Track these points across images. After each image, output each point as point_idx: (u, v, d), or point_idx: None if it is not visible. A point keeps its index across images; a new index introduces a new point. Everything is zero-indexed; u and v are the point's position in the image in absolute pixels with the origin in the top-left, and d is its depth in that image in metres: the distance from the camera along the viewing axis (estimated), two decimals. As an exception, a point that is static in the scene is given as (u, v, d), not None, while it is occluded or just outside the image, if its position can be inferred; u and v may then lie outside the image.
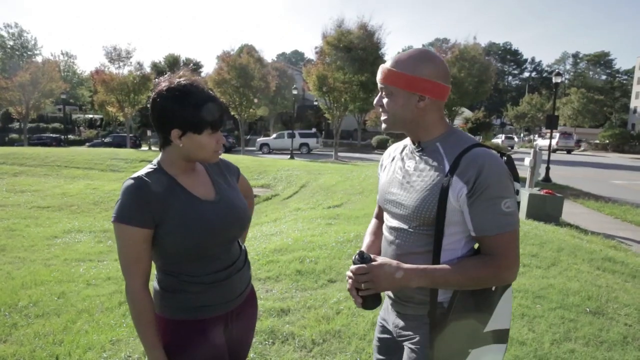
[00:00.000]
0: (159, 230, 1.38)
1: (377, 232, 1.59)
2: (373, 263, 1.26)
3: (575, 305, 3.79)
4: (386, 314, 1.54)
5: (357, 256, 1.29)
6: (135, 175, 1.42)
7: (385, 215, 1.48)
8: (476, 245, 1.32)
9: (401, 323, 1.43)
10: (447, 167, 1.26)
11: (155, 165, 1.45)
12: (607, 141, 41.33)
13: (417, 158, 1.36)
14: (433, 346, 1.30)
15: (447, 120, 1.39)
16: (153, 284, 1.54)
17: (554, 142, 36.49)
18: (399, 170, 1.42)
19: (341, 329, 3.24)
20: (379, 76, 1.35)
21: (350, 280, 1.30)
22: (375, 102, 1.39)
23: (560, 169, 19.24)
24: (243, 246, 1.68)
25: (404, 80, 1.28)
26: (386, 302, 1.55)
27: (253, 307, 1.71)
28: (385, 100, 1.34)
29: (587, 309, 3.73)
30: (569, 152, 35.01)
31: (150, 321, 1.41)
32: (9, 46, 61.25)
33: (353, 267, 1.28)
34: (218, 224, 1.45)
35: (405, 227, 1.35)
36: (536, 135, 46.35)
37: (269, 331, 3.18)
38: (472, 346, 1.29)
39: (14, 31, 61.57)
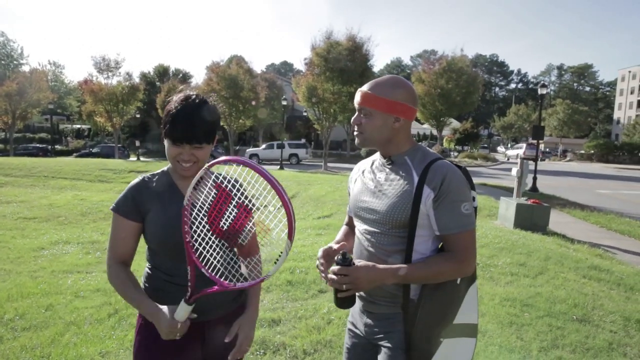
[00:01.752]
0: (145, 223, 1.52)
1: (347, 235, 1.75)
2: (352, 267, 1.38)
3: (562, 313, 3.85)
4: (354, 317, 1.65)
5: (339, 257, 1.40)
6: (143, 174, 1.60)
7: (357, 222, 1.61)
8: (440, 245, 1.49)
9: (373, 323, 1.54)
10: (416, 177, 1.43)
11: (164, 169, 1.60)
12: (592, 151, 42.04)
13: (388, 170, 1.53)
14: (408, 337, 1.43)
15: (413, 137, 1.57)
16: (142, 281, 1.61)
17: (520, 152, 40.77)
18: (370, 182, 1.57)
19: (332, 339, 3.25)
20: (357, 99, 1.51)
21: (333, 278, 1.39)
22: (352, 120, 1.54)
23: (547, 179, 19.52)
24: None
25: (383, 103, 1.46)
26: (354, 307, 1.63)
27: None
28: (364, 121, 1.50)
29: (574, 317, 3.80)
30: (534, 160, 37.37)
31: (127, 283, 1.49)
32: (-6, 55, 60.65)
33: (335, 268, 1.40)
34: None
35: (378, 230, 1.49)
36: (507, 146, 47.70)
37: (260, 341, 3.18)
38: (444, 336, 1.43)
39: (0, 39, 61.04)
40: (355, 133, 1.55)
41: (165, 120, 1.47)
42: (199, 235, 1.39)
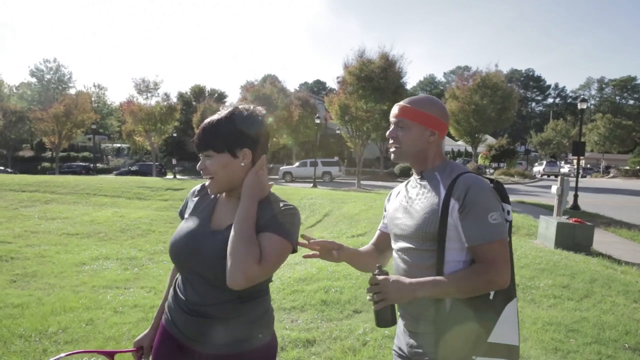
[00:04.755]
0: None
1: (369, 251, 1.76)
2: (383, 277, 1.42)
3: (612, 340, 3.64)
4: (399, 338, 1.62)
5: (376, 270, 1.45)
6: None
7: (393, 241, 1.63)
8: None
9: (414, 342, 1.51)
10: (443, 190, 1.45)
11: None
12: (638, 167, 40.20)
13: (419, 186, 1.56)
14: (438, 347, 1.40)
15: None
16: None
17: (540, 168, 43.04)
18: (403, 199, 1.61)
19: (368, 361, 3.18)
20: (395, 112, 1.57)
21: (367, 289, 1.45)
22: (388, 134, 1.59)
23: (589, 196, 18.75)
24: (234, 301, 1.39)
25: (421, 116, 1.52)
26: (398, 328, 1.62)
27: None
28: (400, 133, 1.55)
29: (626, 345, 3.57)
30: (556, 176, 39.24)
31: (169, 281, 1.64)
32: (45, 79, 64.20)
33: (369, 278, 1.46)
34: (183, 248, 1.42)
35: (411, 245, 1.50)
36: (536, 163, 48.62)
37: (295, 362, 3.15)
38: (475, 352, 1.37)
39: (52, 65, 64.69)
40: (391, 148, 1.58)
41: None
42: None
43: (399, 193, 1.68)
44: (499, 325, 1.39)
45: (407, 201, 1.57)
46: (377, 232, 1.80)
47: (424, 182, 1.54)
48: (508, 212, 1.46)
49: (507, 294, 1.42)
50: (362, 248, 1.80)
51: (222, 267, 1.29)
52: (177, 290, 1.48)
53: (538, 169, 43.94)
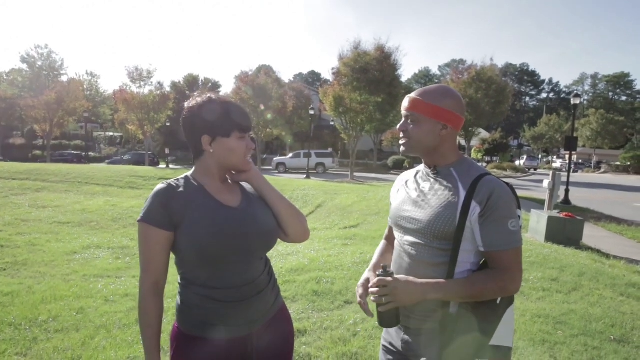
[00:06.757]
0: (179, 232, 1.41)
1: (385, 253, 1.75)
2: (391, 278, 1.38)
3: (598, 332, 3.69)
4: (390, 333, 1.60)
5: (381, 270, 1.41)
6: (166, 180, 1.50)
7: (398, 233, 1.58)
8: (483, 261, 1.45)
9: (409, 338, 1.50)
10: (462, 190, 1.41)
11: (187, 174, 1.54)
12: (629, 163, 40.59)
13: (432, 180, 1.51)
14: (442, 354, 1.40)
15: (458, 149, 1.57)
16: (176, 297, 1.53)
17: (521, 162, 45.68)
18: (413, 191, 1.55)
19: (358, 351, 3.21)
20: (406, 105, 1.50)
21: (373, 290, 1.41)
22: (399, 127, 1.53)
23: (580, 191, 18.92)
24: (268, 265, 1.61)
25: (432, 110, 1.45)
26: None
27: (283, 327, 1.62)
28: (410, 127, 1.49)
29: (612, 337, 3.63)
30: (535, 169, 43.32)
31: (150, 324, 1.43)
32: (37, 66, 63.26)
33: (375, 279, 1.40)
34: (235, 230, 1.44)
35: (420, 241, 1.46)
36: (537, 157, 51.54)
37: (285, 352, 3.16)
38: (478, 356, 1.39)
39: (43, 52, 63.71)
40: (401, 140, 1.53)
41: (219, 117, 1.44)
42: None
43: (407, 182, 1.62)
44: (500, 328, 1.40)
45: (419, 194, 1.52)
46: (388, 227, 1.77)
47: (439, 178, 1.49)
48: (519, 217, 1.46)
49: (510, 298, 1.43)
50: (379, 248, 1.77)
51: (260, 235, 1.50)
52: (215, 291, 1.44)
53: (519, 162, 46.43)
